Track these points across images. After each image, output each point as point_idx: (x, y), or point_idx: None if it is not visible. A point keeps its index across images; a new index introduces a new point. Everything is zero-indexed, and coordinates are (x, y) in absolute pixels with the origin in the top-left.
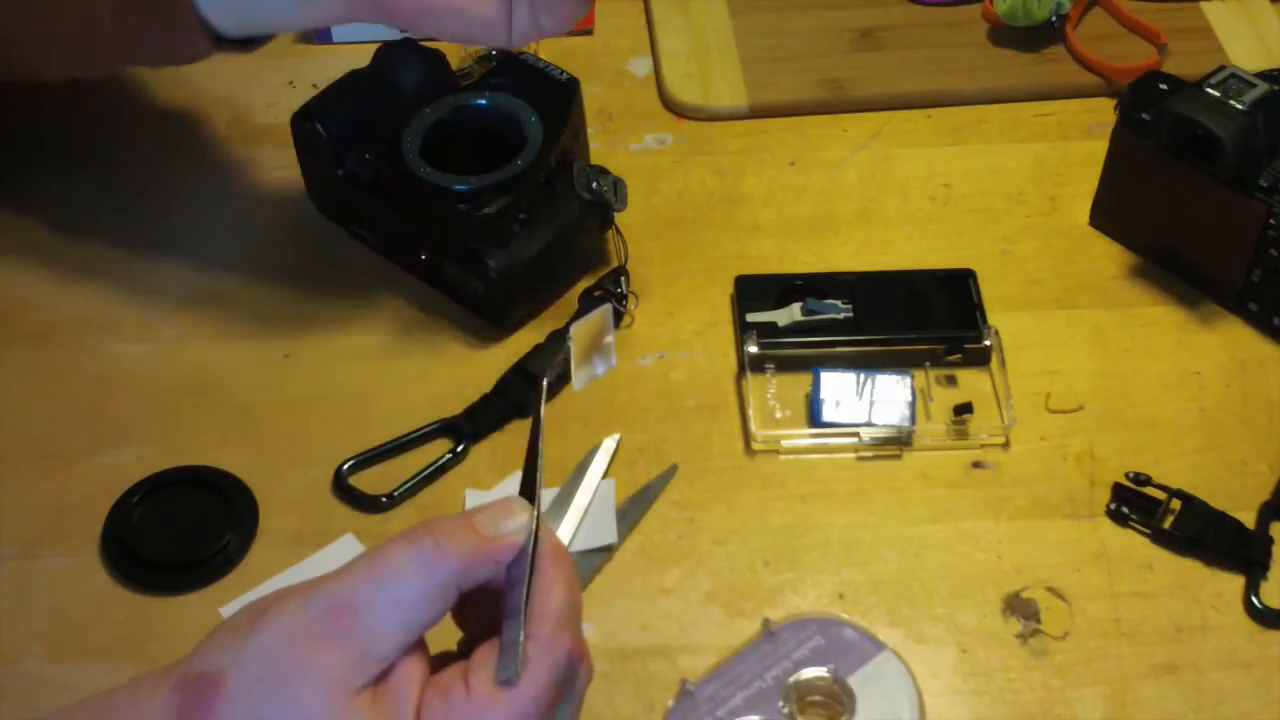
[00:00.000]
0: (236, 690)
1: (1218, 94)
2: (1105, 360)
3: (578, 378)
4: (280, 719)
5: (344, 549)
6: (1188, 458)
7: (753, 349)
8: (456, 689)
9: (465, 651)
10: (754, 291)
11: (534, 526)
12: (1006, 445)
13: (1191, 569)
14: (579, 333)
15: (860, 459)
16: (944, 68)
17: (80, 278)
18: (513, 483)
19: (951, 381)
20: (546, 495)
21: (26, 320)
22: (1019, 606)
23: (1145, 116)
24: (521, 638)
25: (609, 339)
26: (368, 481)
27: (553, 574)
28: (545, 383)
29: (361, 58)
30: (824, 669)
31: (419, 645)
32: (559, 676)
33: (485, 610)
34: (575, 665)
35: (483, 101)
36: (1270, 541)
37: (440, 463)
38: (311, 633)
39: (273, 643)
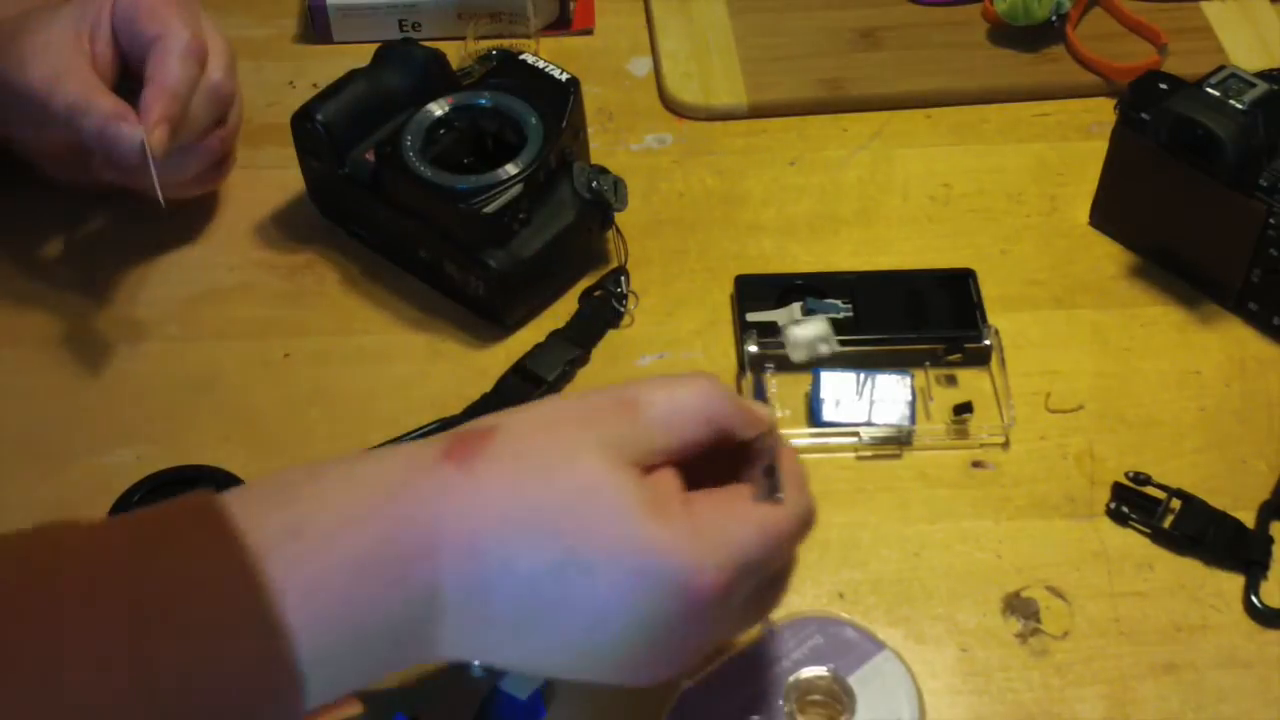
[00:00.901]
0: (509, 435)
1: (1218, 94)
2: (1105, 360)
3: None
4: (553, 461)
5: None
6: (1188, 457)
7: (753, 348)
8: (717, 493)
9: None
10: (754, 291)
11: (776, 421)
12: (1006, 445)
13: (1191, 569)
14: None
15: (860, 459)
16: (944, 68)
17: (80, 277)
18: None
19: (951, 381)
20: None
21: (26, 320)
22: (1019, 606)
23: (1145, 116)
24: (778, 474)
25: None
26: None
27: (790, 452)
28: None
29: (361, 58)
30: (824, 668)
31: (677, 470)
32: (807, 516)
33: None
34: (812, 521)
35: (483, 101)
36: (1270, 541)
37: None
38: (596, 409)
39: (555, 409)
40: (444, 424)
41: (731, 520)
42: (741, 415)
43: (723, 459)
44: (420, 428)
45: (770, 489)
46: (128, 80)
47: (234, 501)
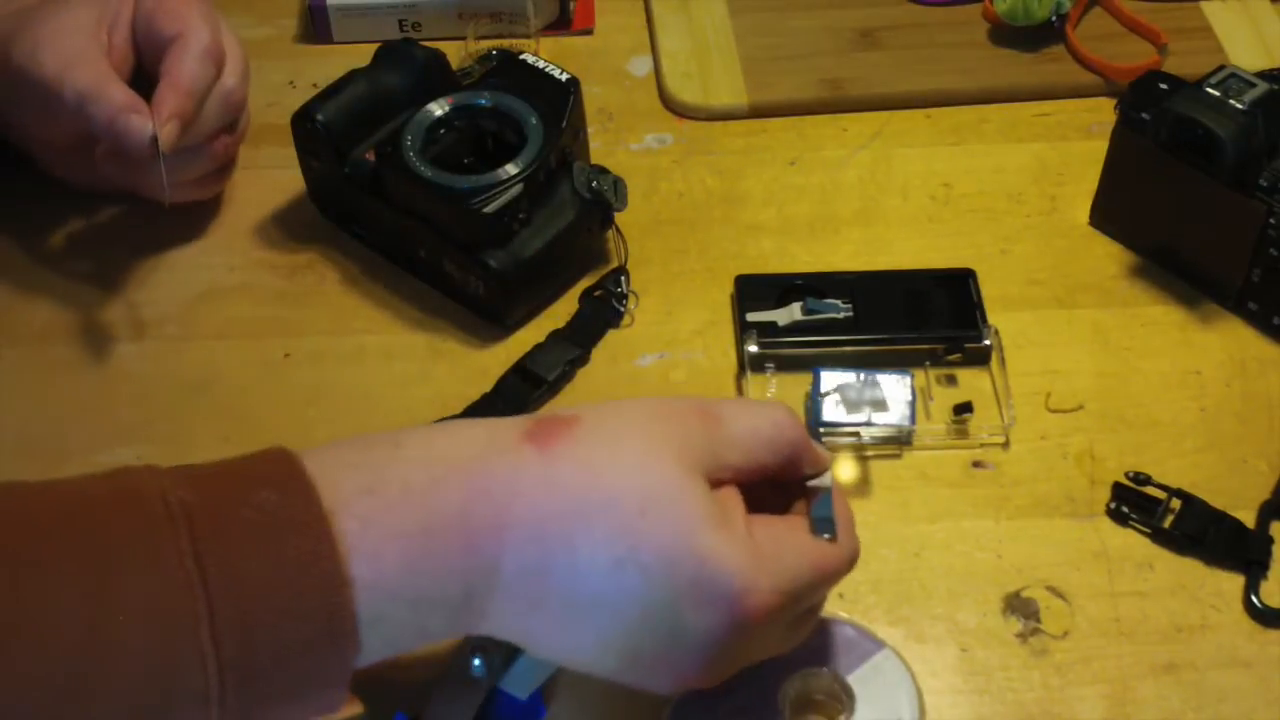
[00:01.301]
0: (592, 426)
1: (1218, 94)
2: (1105, 360)
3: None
4: (632, 458)
5: None
6: (1188, 457)
7: (753, 348)
8: (777, 520)
9: None
10: (754, 291)
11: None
12: (1006, 445)
13: (1191, 568)
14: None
15: (860, 458)
16: (944, 68)
17: (80, 277)
18: None
19: (951, 381)
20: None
21: (26, 321)
22: (1019, 606)
23: (1145, 116)
24: (833, 515)
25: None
26: None
27: (843, 497)
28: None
29: (361, 58)
30: (824, 668)
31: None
32: (852, 559)
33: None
34: (854, 563)
35: (483, 101)
36: (1270, 541)
37: None
38: (680, 414)
39: (639, 409)
40: None
41: (788, 549)
42: (809, 452)
43: (773, 490)
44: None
45: (826, 527)
46: (140, 80)
47: (313, 457)
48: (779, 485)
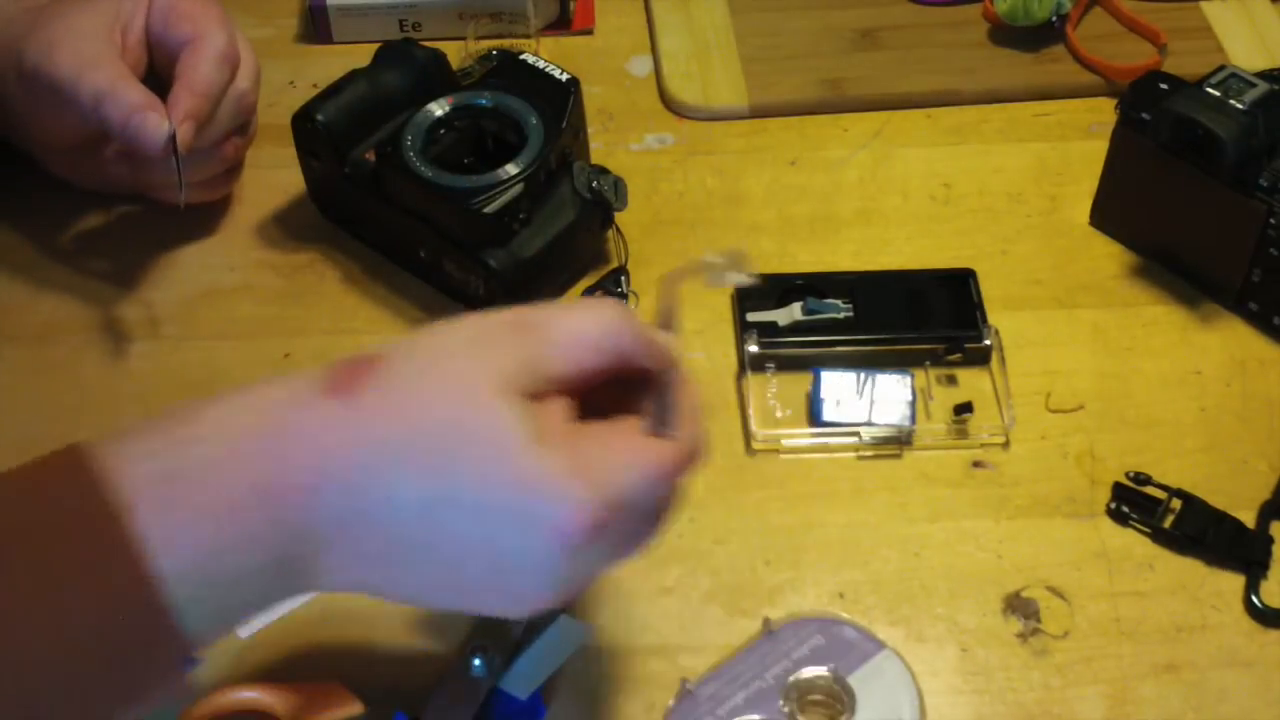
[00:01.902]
0: (396, 364)
1: (1218, 94)
2: (1105, 360)
3: (712, 277)
4: (437, 392)
5: None
6: (1188, 457)
7: (753, 348)
8: (608, 425)
9: None
10: (754, 291)
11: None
12: (1006, 445)
13: (1191, 568)
14: (709, 259)
15: (860, 458)
16: (944, 68)
17: (80, 277)
18: None
19: (951, 381)
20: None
21: (26, 320)
22: (1019, 606)
23: (1145, 116)
24: (675, 408)
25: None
26: None
27: (690, 387)
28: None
29: (361, 58)
30: (824, 668)
31: (571, 399)
32: (696, 452)
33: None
34: (701, 455)
35: (483, 101)
36: (1270, 541)
37: None
38: (490, 333)
39: (447, 334)
40: None
41: (615, 453)
42: (645, 347)
43: (623, 388)
44: None
45: (661, 423)
46: (152, 83)
47: (106, 448)
48: (631, 385)
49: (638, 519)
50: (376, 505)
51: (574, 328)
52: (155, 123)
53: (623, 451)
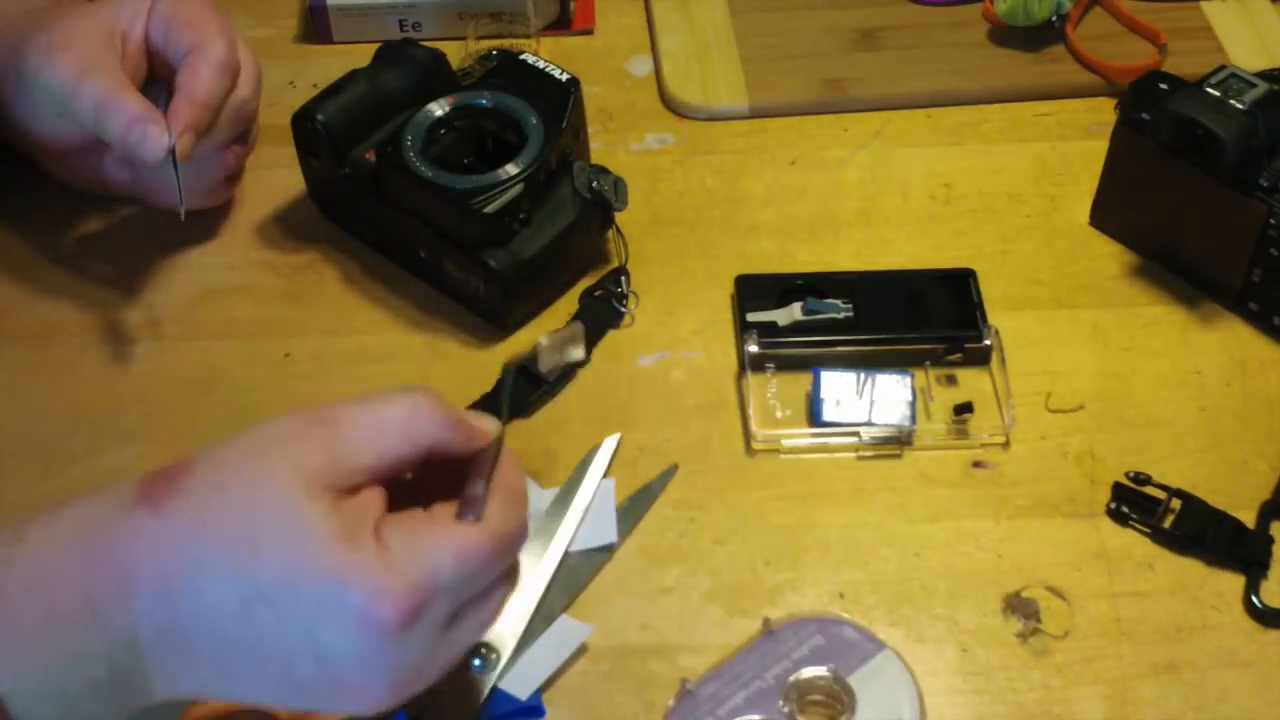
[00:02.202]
0: (204, 470)
1: (1218, 94)
2: (1105, 360)
3: (545, 365)
4: (242, 495)
5: None
6: (1188, 457)
7: (753, 349)
8: (418, 515)
9: None
10: (754, 291)
11: (502, 434)
12: (1006, 445)
13: (1191, 568)
14: (551, 337)
15: (860, 458)
16: (944, 68)
17: (80, 278)
18: None
19: (951, 381)
20: (546, 495)
21: (27, 320)
22: (1019, 606)
23: (1145, 116)
24: (485, 495)
25: (580, 344)
26: None
27: (512, 466)
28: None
29: (361, 58)
30: (824, 668)
31: (383, 488)
32: (510, 534)
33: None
34: (521, 538)
35: (483, 101)
36: (1270, 541)
37: None
38: (294, 433)
39: (253, 437)
40: None
41: (422, 542)
42: (457, 432)
43: (453, 471)
44: None
45: (471, 507)
46: (152, 88)
47: None
48: (458, 467)
49: (459, 605)
50: (192, 609)
51: (377, 420)
52: (155, 134)
53: (428, 538)
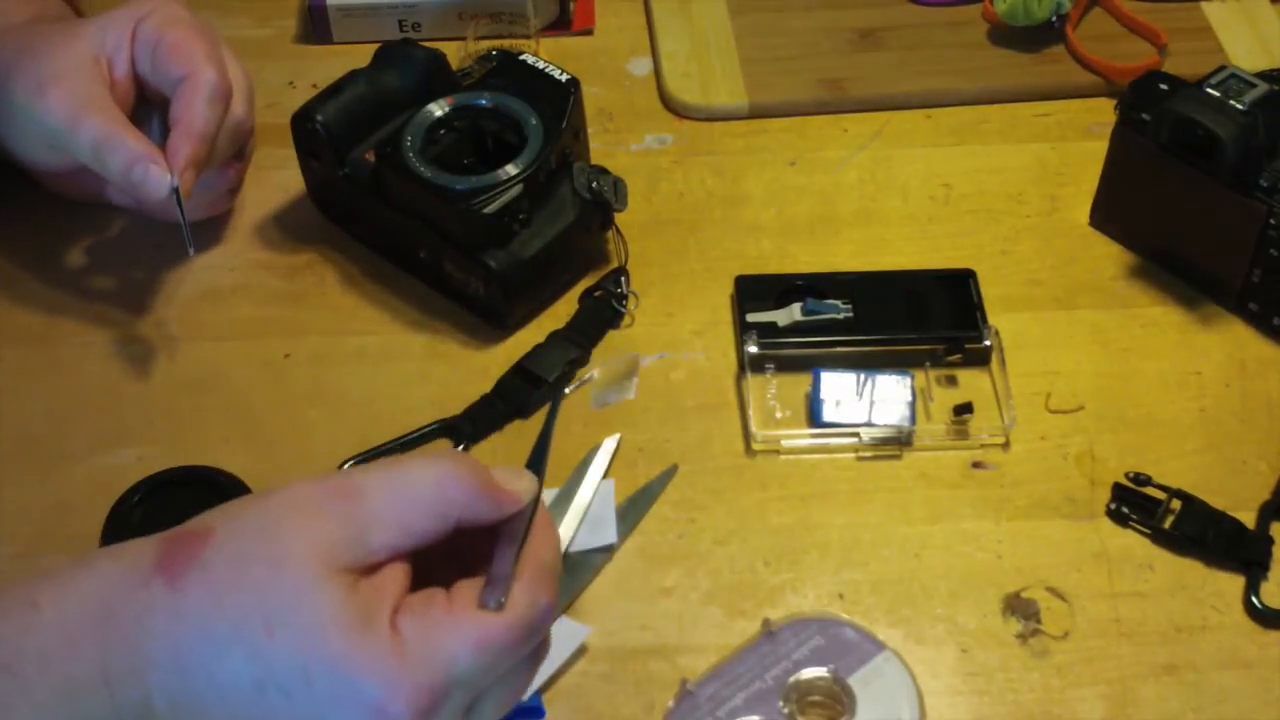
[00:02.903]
0: (223, 540)
1: (1218, 94)
2: (1105, 360)
3: (595, 400)
4: (259, 572)
5: None
6: (1188, 458)
7: (753, 349)
8: (438, 600)
9: None
10: (754, 291)
11: (538, 494)
12: (1006, 445)
13: (1191, 569)
14: (605, 369)
15: (860, 459)
16: (944, 68)
17: (80, 278)
18: None
19: (951, 381)
20: (546, 495)
21: (27, 320)
22: (1019, 606)
23: (1145, 116)
24: (510, 575)
25: (634, 380)
26: None
27: (544, 536)
28: (558, 389)
29: (361, 58)
30: (824, 669)
31: (408, 562)
32: (534, 619)
33: (456, 572)
34: (547, 619)
35: (483, 101)
36: (1270, 541)
37: None
38: (315, 502)
39: (274, 505)
40: (444, 424)
41: (441, 631)
42: (487, 502)
43: (484, 536)
44: (420, 428)
45: (495, 592)
46: (142, 110)
47: None
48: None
49: (481, 689)
50: (205, 686)
51: (402, 492)
52: (157, 175)
53: (446, 629)
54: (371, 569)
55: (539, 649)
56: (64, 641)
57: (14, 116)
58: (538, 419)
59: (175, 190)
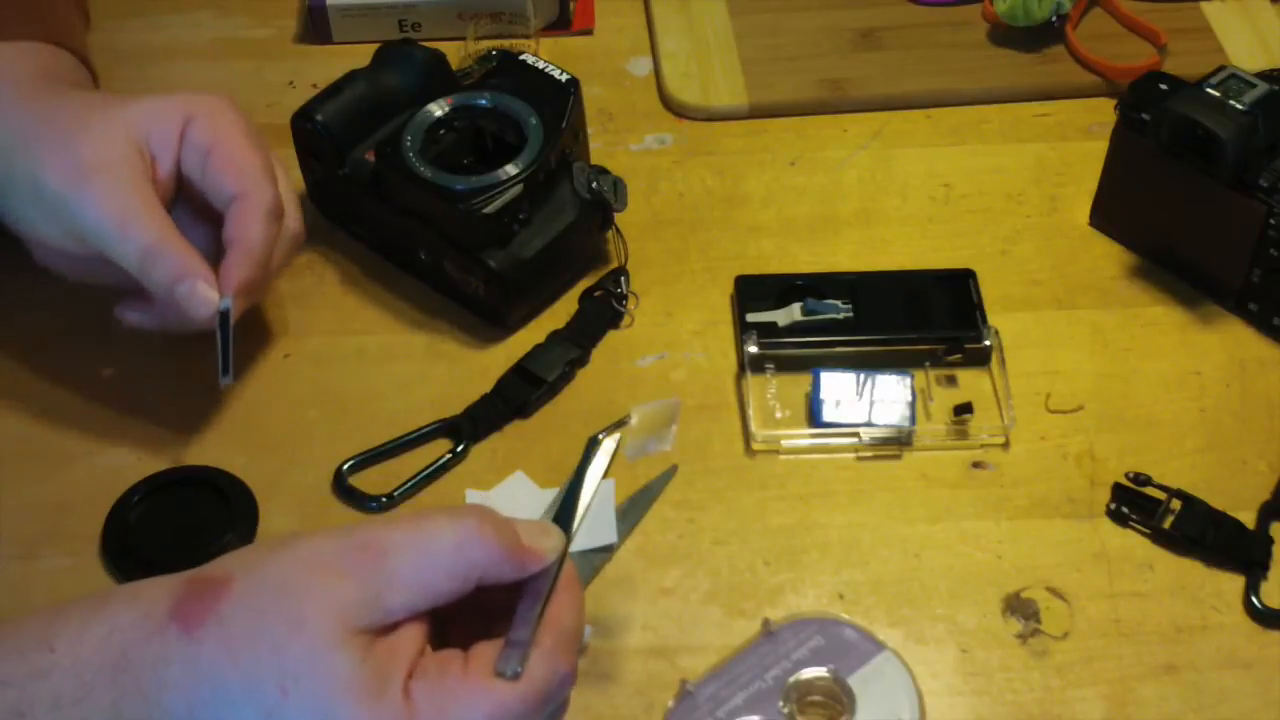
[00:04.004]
0: (241, 593)
1: (1218, 94)
2: (1105, 360)
3: (630, 451)
4: (277, 631)
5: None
6: (1188, 458)
7: (753, 349)
8: (453, 666)
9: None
10: (754, 291)
11: (564, 552)
12: (1006, 445)
13: (1191, 569)
14: (642, 414)
15: (860, 459)
16: (944, 68)
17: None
18: (512, 483)
19: (951, 381)
20: (545, 495)
21: (27, 320)
22: (1019, 606)
23: (1145, 116)
24: (529, 642)
25: (672, 428)
26: (368, 481)
27: (568, 598)
28: (600, 439)
29: (361, 58)
30: (824, 669)
31: (427, 621)
32: (551, 689)
33: (477, 626)
34: (567, 685)
35: (483, 101)
36: (1270, 541)
37: (440, 463)
38: (335, 559)
39: (294, 559)
40: (444, 424)
41: (454, 701)
42: (510, 563)
43: (510, 590)
44: (420, 428)
45: (511, 660)
46: (177, 208)
47: None
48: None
49: None
50: None
51: (423, 552)
52: (204, 294)
53: (460, 698)
54: (388, 629)
55: (557, 712)
56: (78, 686)
57: (34, 193)
58: (538, 419)
59: (223, 313)
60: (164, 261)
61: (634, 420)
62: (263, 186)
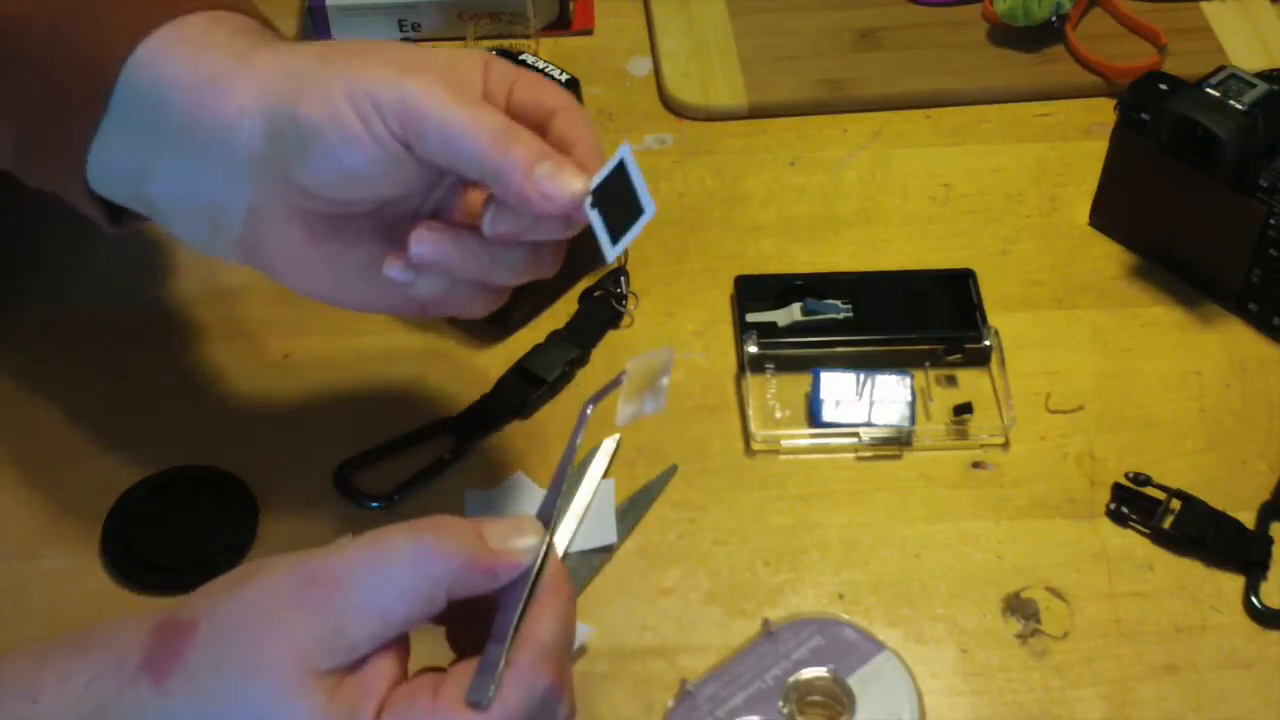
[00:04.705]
0: (206, 640)
1: (1218, 94)
2: (1105, 360)
3: (623, 413)
4: (239, 682)
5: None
6: (1188, 458)
7: (753, 349)
8: (422, 699)
9: None
10: (754, 291)
11: (542, 551)
12: (1006, 445)
13: (1191, 569)
14: (636, 368)
15: (860, 459)
16: (944, 68)
17: (80, 277)
18: (513, 484)
19: (951, 381)
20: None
21: (26, 320)
22: (1019, 606)
23: (1145, 116)
24: (501, 662)
25: (664, 381)
26: (368, 481)
27: (549, 603)
28: (587, 409)
29: None
30: (824, 669)
31: (398, 646)
32: (530, 709)
33: (478, 631)
34: (552, 702)
35: None
36: (1270, 541)
37: (440, 463)
38: (290, 595)
39: (252, 599)
40: (444, 424)
41: None
42: (477, 572)
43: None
44: (420, 428)
45: (481, 687)
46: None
47: None
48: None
49: None
50: None
51: (378, 577)
52: (572, 173)
53: None
54: (356, 664)
55: (559, 717)
56: None
57: (342, 119)
58: (538, 419)
59: (621, 162)
60: (519, 142)
61: (629, 373)
62: (570, 100)
